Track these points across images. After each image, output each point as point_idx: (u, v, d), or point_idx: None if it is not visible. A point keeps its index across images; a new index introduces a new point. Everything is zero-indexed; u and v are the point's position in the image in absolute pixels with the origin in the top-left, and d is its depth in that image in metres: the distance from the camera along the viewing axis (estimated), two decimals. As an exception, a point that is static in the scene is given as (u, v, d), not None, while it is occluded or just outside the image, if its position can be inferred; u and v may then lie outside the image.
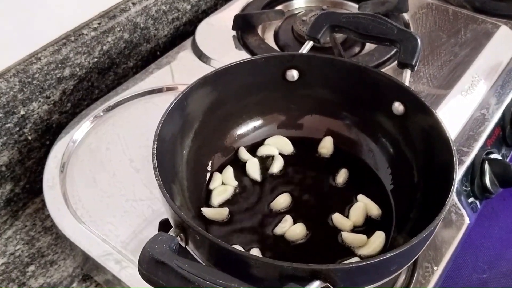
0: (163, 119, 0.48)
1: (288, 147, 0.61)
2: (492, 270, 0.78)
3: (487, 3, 0.85)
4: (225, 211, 0.54)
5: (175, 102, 0.50)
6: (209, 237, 0.39)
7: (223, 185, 0.57)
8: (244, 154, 0.60)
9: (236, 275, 0.37)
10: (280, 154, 0.60)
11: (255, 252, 0.51)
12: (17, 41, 0.63)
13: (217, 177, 0.58)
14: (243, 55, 0.77)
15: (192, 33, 0.83)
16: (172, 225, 0.43)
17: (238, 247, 0.51)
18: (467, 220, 0.56)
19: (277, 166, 0.59)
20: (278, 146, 0.61)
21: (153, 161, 0.45)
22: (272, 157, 0.60)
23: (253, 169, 0.58)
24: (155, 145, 0.46)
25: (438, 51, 0.77)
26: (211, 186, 0.57)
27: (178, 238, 0.42)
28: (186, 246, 0.43)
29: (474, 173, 0.62)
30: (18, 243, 0.62)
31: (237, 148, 0.61)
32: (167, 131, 0.50)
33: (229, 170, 0.58)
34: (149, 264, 0.37)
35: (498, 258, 0.80)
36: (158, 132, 0.47)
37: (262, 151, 0.60)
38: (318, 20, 0.59)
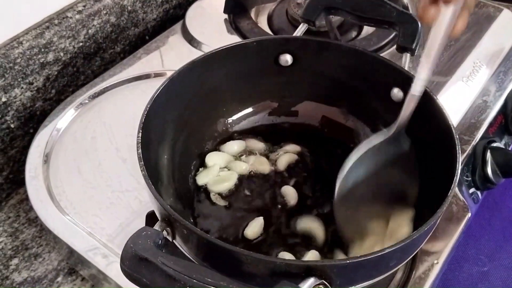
0: (148, 107, 0.47)
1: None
2: (493, 263, 0.78)
3: (489, -14, 0.83)
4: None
5: (161, 88, 0.48)
6: (197, 231, 0.38)
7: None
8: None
9: (226, 271, 0.36)
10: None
11: (259, 221, 0.50)
12: (-3, 25, 0.61)
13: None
14: (235, 40, 0.75)
15: (182, 16, 0.81)
16: (159, 218, 0.42)
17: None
18: (468, 212, 0.55)
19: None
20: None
21: (137, 150, 0.43)
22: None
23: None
24: (140, 134, 0.44)
25: (438, 35, 0.75)
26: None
27: (165, 232, 0.40)
28: (174, 241, 0.41)
29: (475, 162, 0.61)
30: (1, 235, 0.60)
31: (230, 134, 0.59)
32: (154, 119, 0.48)
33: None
34: (132, 262, 0.35)
35: (499, 250, 0.79)
36: (143, 120, 0.46)
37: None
38: (312, 1, 0.57)
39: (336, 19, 0.72)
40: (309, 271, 0.36)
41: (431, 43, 0.44)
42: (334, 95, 0.58)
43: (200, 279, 0.33)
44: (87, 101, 0.67)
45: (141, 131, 0.44)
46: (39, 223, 0.61)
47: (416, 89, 0.47)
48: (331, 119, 0.59)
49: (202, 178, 0.55)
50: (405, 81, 0.51)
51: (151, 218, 0.52)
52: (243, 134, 0.59)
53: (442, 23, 0.42)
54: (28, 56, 0.63)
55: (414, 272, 0.51)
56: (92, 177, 0.58)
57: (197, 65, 0.52)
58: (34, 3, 0.65)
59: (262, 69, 0.57)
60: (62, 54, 0.68)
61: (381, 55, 0.62)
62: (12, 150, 0.65)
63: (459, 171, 0.43)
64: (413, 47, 0.53)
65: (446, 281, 0.75)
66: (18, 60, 0.62)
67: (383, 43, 0.72)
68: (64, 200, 0.56)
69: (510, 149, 0.71)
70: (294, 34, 0.57)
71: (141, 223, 0.53)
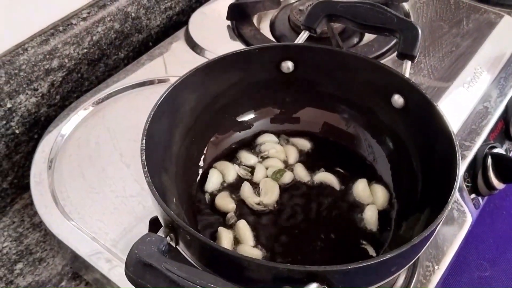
0: (152, 113, 0.47)
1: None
2: (494, 268, 0.77)
3: (489, -8, 0.84)
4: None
5: (165, 95, 0.48)
6: (200, 237, 0.38)
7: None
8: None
9: (229, 276, 0.36)
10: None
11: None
12: (3, 31, 0.62)
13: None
14: (238, 46, 0.75)
15: (185, 23, 0.81)
16: (162, 224, 0.42)
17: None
18: (469, 217, 0.55)
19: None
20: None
21: (141, 157, 0.43)
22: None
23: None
24: (144, 141, 0.45)
25: (439, 42, 0.75)
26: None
27: (168, 238, 0.40)
28: (177, 246, 0.41)
29: (476, 168, 0.61)
30: (5, 240, 0.60)
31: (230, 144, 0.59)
32: (157, 126, 0.48)
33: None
34: (136, 267, 0.35)
35: (500, 255, 0.79)
36: (147, 127, 0.46)
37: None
38: (314, 9, 0.57)
39: (337, 26, 0.72)
40: (311, 276, 0.36)
41: None
42: (335, 102, 0.58)
43: (203, 285, 0.33)
44: (91, 107, 0.67)
45: (144, 138, 0.45)
46: (44, 228, 0.61)
47: None
48: (333, 125, 0.59)
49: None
50: (405, 87, 0.52)
51: (154, 224, 0.52)
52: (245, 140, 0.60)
53: None
54: (33, 63, 0.64)
55: (415, 277, 0.51)
56: (96, 183, 0.59)
57: (200, 72, 0.53)
58: (39, 10, 0.65)
59: (264, 76, 0.57)
60: (66, 60, 0.68)
61: (382, 61, 0.63)
62: (17, 156, 0.66)
63: (460, 177, 0.43)
64: (414, 54, 0.53)
65: (448, 286, 0.75)
66: (23, 67, 0.63)
67: (384, 49, 0.72)
68: (68, 205, 0.57)
69: (511, 154, 0.71)
70: (296, 41, 0.57)
71: (145, 228, 0.53)
